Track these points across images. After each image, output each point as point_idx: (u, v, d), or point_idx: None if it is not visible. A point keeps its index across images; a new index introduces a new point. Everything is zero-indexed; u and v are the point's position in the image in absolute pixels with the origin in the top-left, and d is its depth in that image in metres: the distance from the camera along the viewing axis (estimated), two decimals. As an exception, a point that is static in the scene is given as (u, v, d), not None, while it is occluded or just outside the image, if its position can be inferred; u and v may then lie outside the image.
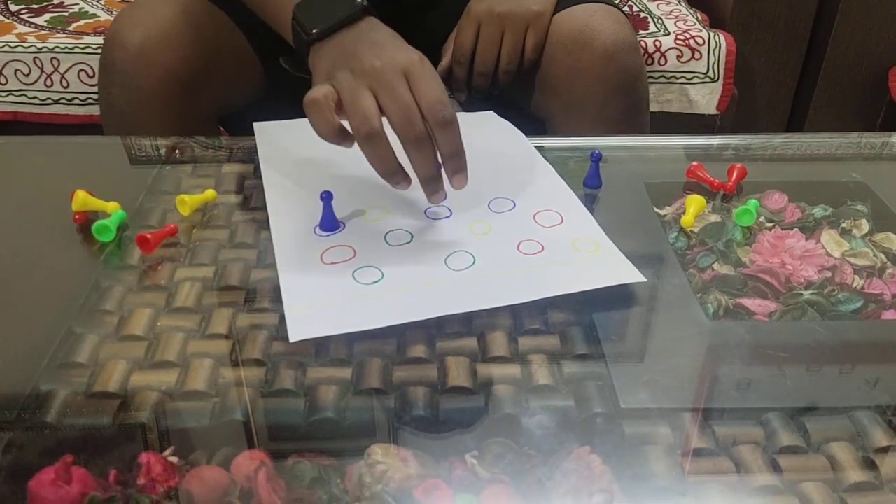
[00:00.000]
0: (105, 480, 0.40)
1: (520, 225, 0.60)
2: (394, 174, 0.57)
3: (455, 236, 0.58)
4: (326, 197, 0.57)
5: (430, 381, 0.47)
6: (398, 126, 0.55)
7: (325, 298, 0.51)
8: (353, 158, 0.69)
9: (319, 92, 0.56)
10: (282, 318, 0.51)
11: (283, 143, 0.71)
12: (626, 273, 0.54)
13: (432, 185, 0.57)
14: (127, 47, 0.78)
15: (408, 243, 0.57)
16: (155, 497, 0.40)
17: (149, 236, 0.57)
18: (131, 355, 0.48)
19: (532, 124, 0.76)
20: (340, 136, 0.57)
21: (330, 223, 0.58)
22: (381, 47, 0.59)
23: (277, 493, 0.40)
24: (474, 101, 0.88)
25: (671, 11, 1.31)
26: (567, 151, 0.73)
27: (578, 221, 0.60)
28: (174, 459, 0.41)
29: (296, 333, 0.48)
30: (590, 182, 0.67)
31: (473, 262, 0.55)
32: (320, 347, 0.48)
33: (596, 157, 0.66)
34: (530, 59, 0.84)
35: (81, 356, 0.48)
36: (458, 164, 0.57)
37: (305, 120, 0.75)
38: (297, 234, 0.58)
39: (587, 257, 0.56)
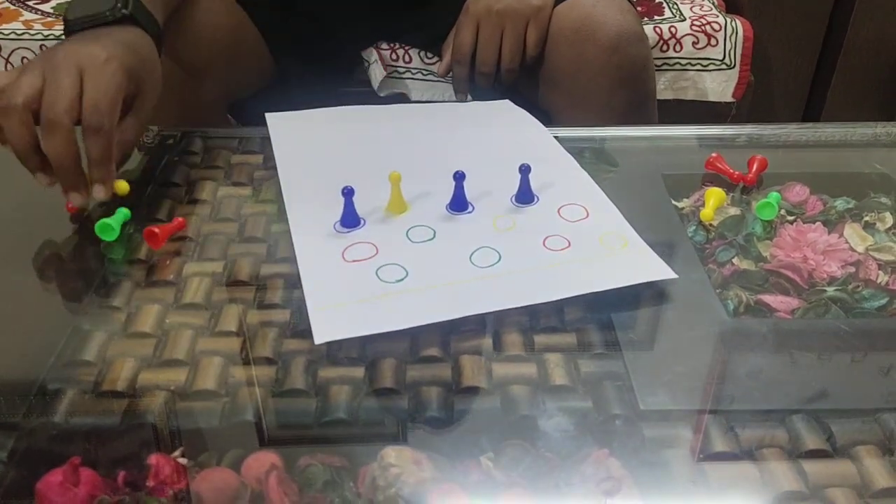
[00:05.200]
0: (113, 482, 0.40)
1: (544, 219, 0.58)
2: (26, 159, 0.55)
3: (478, 232, 0.56)
4: (348, 193, 0.56)
5: (444, 381, 0.45)
6: (42, 108, 0.54)
7: (349, 298, 0.50)
8: (372, 151, 0.68)
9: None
10: (292, 315, 0.50)
11: (298, 134, 0.70)
12: (656, 269, 0.53)
13: (64, 179, 0.55)
14: None
15: (431, 240, 0.56)
16: (164, 500, 0.39)
17: (157, 230, 0.55)
18: (139, 353, 0.47)
19: (539, 117, 0.74)
20: None
21: (351, 219, 0.57)
22: (84, 45, 0.57)
23: (289, 496, 0.39)
24: (481, 95, 0.87)
25: (687, -4, 1.28)
26: (582, 142, 0.72)
27: (604, 215, 0.59)
28: (183, 461, 0.41)
29: (321, 335, 0.47)
30: (522, 197, 0.60)
31: (499, 259, 0.53)
32: (332, 345, 0.47)
33: (525, 170, 0.59)
34: (532, 55, 0.82)
35: (89, 354, 0.47)
36: (102, 173, 0.56)
37: (319, 110, 0.74)
38: (317, 230, 0.56)
39: (615, 253, 0.54)
